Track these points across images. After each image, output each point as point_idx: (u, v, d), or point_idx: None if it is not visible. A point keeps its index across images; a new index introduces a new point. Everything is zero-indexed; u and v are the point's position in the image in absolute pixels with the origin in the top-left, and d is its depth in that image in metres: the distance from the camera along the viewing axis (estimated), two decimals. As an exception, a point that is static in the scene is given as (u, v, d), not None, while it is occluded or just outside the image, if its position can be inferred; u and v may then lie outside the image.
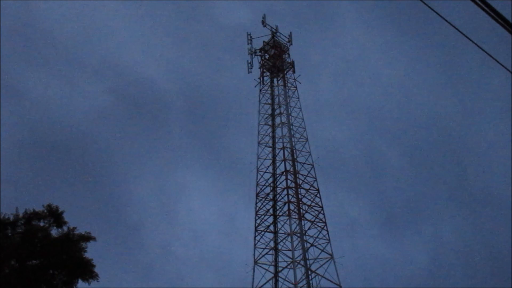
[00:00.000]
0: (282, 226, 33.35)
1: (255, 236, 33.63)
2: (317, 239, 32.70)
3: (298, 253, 31.54)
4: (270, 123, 39.28)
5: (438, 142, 79.35)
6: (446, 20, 6.84)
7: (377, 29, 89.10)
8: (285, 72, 42.87)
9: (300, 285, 29.82)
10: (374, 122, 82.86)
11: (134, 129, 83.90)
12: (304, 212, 33.87)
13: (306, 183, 35.65)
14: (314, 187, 35.51)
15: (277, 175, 36.03)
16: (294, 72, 43.10)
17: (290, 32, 45.35)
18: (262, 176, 36.39)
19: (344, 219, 59.74)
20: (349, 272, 31.45)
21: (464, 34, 6.96)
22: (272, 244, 32.78)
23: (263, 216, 34.49)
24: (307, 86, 69.13)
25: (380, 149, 79.14)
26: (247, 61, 43.62)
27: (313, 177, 35.93)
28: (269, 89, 41.82)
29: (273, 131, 38.52)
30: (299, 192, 34.64)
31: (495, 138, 73.32)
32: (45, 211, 20.19)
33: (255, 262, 32.16)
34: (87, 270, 19.41)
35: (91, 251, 20.31)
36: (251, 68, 43.36)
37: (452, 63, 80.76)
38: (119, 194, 74.39)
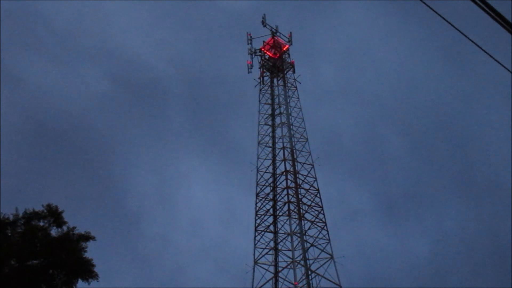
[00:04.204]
0: (282, 226, 33.39)
1: (255, 236, 33.66)
2: (317, 239, 32.71)
3: (298, 253, 31.57)
4: (270, 123, 39.28)
5: (441, 129, 78.95)
6: (446, 20, 6.83)
7: (379, 15, 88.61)
8: (285, 72, 42.87)
9: (300, 285, 29.82)
10: (376, 109, 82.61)
11: (133, 116, 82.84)
12: (304, 212, 33.87)
13: (306, 183, 35.68)
14: (314, 187, 35.52)
15: (277, 175, 36.02)
16: (294, 72, 43.16)
17: (290, 32, 45.38)
18: (262, 176, 36.43)
19: (346, 209, 59.66)
20: (349, 270, 31.42)
21: (464, 34, 6.96)
22: (272, 244, 32.78)
23: (263, 216, 34.50)
24: (309, 73, 68.72)
25: (382, 136, 78.84)
26: (247, 61, 43.63)
27: (313, 177, 35.96)
28: (269, 89, 41.82)
29: (273, 131, 38.51)
30: (299, 192, 34.64)
31: (499, 126, 72.86)
32: (45, 210, 20.18)
33: (255, 262, 32.15)
34: (87, 270, 19.39)
35: (91, 249, 20.32)
36: (251, 68, 43.36)
37: (455, 49, 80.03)
38: (118, 182, 74.05)
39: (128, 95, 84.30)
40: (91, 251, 20.24)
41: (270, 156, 37.28)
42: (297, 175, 35.64)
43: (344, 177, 68.96)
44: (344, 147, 75.59)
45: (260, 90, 41.95)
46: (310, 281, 30.06)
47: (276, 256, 32.10)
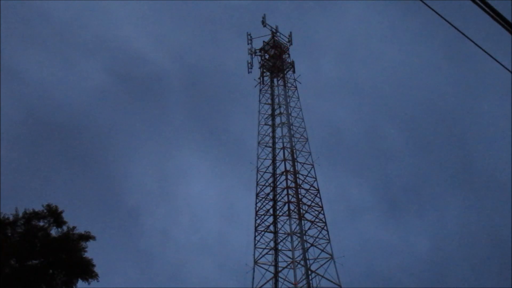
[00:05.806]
0: (282, 226, 33.37)
1: (255, 236, 33.64)
2: (317, 239, 32.69)
3: (298, 253, 31.55)
4: (270, 123, 39.29)
5: (442, 125, 78.58)
6: (447, 20, 6.83)
7: (379, 11, 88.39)
8: (285, 72, 42.88)
9: (300, 285, 29.81)
10: (377, 104, 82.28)
11: (132, 111, 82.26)
12: (304, 212, 33.85)
13: (306, 183, 35.67)
14: (314, 187, 35.52)
15: (277, 175, 36.02)
16: (294, 72, 43.17)
17: (290, 32, 45.46)
18: (262, 176, 36.42)
19: (347, 205, 59.45)
20: (349, 267, 31.36)
21: (464, 34, 6.96)
22: (272, 244, 32.77)
23: (263, 216, 34.49)
24: (309, 69, 68.50)
25: (382, 132, 78.59)
26: (247, 61, 43.69)
27: (313, 177, 35.95)
28: (269, 89, 41.83)
29: (273, 131, 38.51)
30: (299, 192, 34.64)
31: (499, 122, 72.47)
32: (45, 210, 20.21)
33: (255, 262, 32.14)
34: (87, 270, 19.42)
35: (91, 249, 20.32)
36: (251, 68, 43.39)
37: (456, 45, 79.62)
38: (117, 178, 73.64)
39: (128, 90, 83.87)
40: (91, 251, 20.25)
41: (270, 156, 37.29)
42: (297, 175, 35.65)
43: (344, 173, 68.90)
44: (344, 142, 75.56)
45: (260, 90, 42.00)
46: (310, 281, 30.04)
47: (276, 256, 32.08)
